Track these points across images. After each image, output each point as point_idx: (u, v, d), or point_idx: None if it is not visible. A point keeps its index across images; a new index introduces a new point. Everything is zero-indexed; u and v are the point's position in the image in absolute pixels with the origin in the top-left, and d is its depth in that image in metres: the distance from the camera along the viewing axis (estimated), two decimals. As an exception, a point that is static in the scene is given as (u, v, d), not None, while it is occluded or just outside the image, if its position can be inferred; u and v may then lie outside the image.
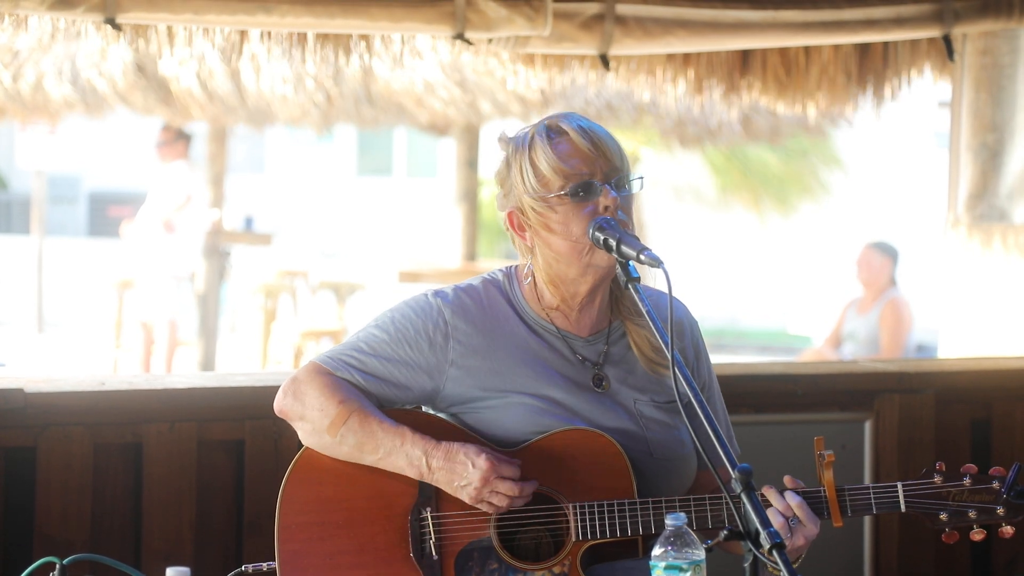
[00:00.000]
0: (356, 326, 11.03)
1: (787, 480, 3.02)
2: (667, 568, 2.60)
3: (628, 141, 13.72)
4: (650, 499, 3.02)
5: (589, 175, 3.04)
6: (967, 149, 5.47)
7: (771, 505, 2.98)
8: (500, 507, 3.01)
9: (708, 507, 3.02)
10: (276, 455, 4.11)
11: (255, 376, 4.54)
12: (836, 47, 5.51)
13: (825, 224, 19.81)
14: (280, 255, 17.05)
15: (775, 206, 18.05)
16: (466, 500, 3.02)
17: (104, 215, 24.53)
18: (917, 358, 9.05)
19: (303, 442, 3.13)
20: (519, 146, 3.10)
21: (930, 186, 18.19)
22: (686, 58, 5.47)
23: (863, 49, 5.56)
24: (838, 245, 17.73)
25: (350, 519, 3.08)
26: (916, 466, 4.64)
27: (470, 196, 12.08)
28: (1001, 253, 5.43)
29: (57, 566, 2.93)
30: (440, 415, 3.15)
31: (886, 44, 5.55)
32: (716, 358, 3.44)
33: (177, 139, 11.79)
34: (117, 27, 4.52)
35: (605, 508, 3.02)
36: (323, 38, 4.89)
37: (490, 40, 4.91)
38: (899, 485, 3.03)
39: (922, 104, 17.08)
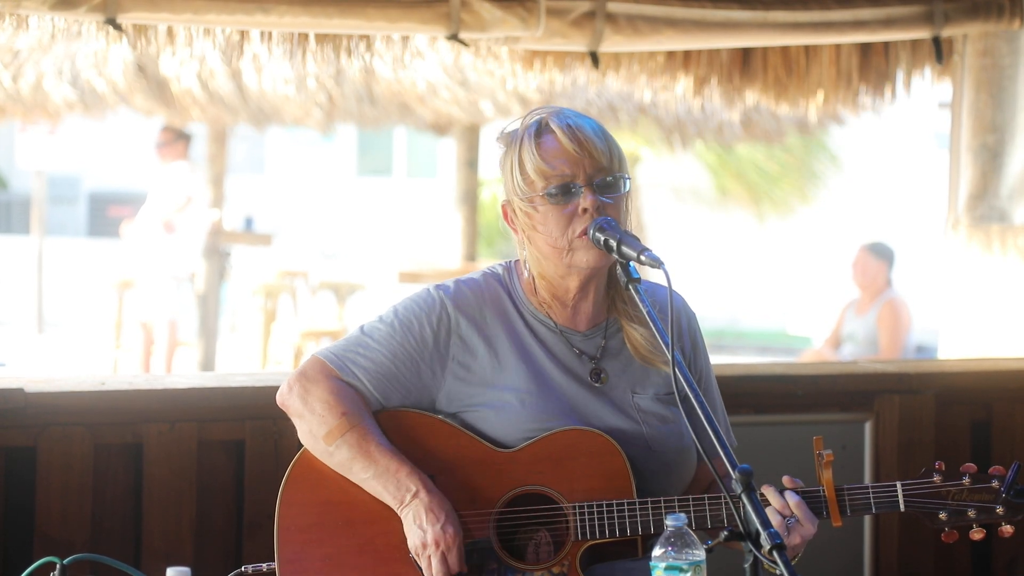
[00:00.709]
0: (356, 327, 11.02)
1: (786, 480, 3.02)
2: (667, 568, 2.60)
3: (628, 141, 13.72)
4: (649, 499, 3.02)
5: (571, 176, 3.04)
6: (967, 150, 5.47)
7: (769, 504, 2.98)
8: (423, 571, 3.02)
9: (707, 507, 3.02)
10: (276, 455, 4.12)
11: (255, 376, 4.54)
12: (837, 48, 5.52)
13: (825, 225, 19.81)
14: (280, 255, 17.05)
15: (775, 207, 18.07)
16: (409, 542, 3.03)
17: (104, 215, 24.52)
18: (917, 359, 9.06)
19: (298, 437, 3.14)
20: (511, 143, 3.11)
21: (930, 187, 18.19)
22: (686, 58, 5.48)
23: (864, 50, 5.56)
24: (838, 246, 17.72)
25: (349, 520, 3.08)
26: (916, 467, 4.63)
27: (470, 196, 12.08)
28: (1001, 254, 5.43)
29: (57, 566, 2.93)
30: (439, 416, 3.15)
31: (886, 45, 5.55)
32: (716, 359, 3.44)
33: (177, 139, 11.79)
34: (118, 27, 4.53)
35: (604, 508, 3.02)
36: (324, 38, 4.90)
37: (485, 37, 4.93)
38: (898, 484, 3.03)
39: (922, 105, 17.08)
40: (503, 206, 3.15)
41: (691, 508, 3.01)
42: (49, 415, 4.00)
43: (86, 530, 4.01)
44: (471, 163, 12.06)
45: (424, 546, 3.01)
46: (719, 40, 5.22)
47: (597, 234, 3.00)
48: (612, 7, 4.99)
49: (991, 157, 5.43)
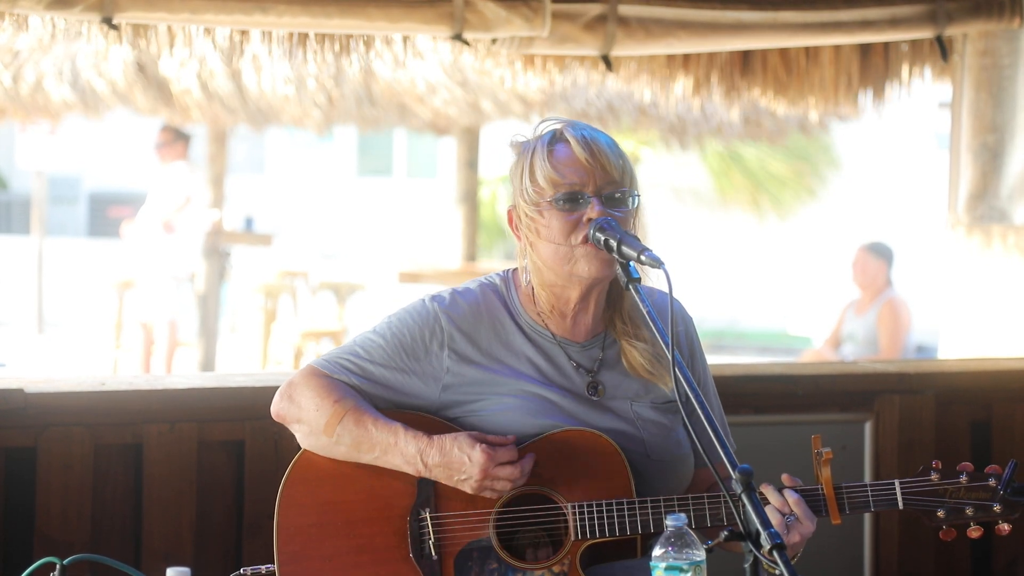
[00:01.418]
0: (356, 327, 11.04)
1: (785, 478, 3.03)
2: (667, 569, 2.60)
3: (628, 142, 13.73)
4: (648, 498, 3.03)
5: (580, 186, 3.05)
6: (967, 150, 5.48)
7: (768, 502, 2.98)
8: (503, 492, 3.01)
9: (707, 506, 3.02)
10: (276, 455, 4.12)
11: (255, 376, 4.54)
12: (837, 48, 5.52)
13: (825, 225, 19.81)
14: (280, 255, 17.05)
15: (775, 207, 18.07)
16: (468, 491, 3.02)
17: (104, 215, 24.52)
18: (917, 359, 9.06)
19: (302, 445, 3.14)
20: (525, 149, 3.12)
21: (930, 187, 18.19)
22: (686, 59, 5.48)
23: (864, 50, 5.56)
24: (838, 246, 17.73)
25: (349, 520, 3.08)
26: (916, 467, 4.62)
27: (470, 197, 12.08)
28: (1001, 254, 5.43)
29: (57, 566, 2.93)
30: (439, 418, 3.14)
31: (887, 45, 5.55)
32: (716, 359, 3.45)
33: (176, 140, 11.79)
34: (114, 27, 4.52)
35: (604, 507, 3.02)
36: (324, 38, 4.89)
37: (494, 41, 4.92)
38: (896, 482, 3.04)
39: (922, 105, 17.08)
40: (509, 211, 3.16)
41: (690, 507, 3.02)
42: (49, 415, 4.00)
43: (86, 530, 4.01)
44: (471, 163, 12.06)
45: (480, 482, 2.99)
46: (730, 42, 5.22)
47: (597, 234, 3.00)
48: (623, 10, 4.97)
49: (991, 157, 5.43)
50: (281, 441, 4.11)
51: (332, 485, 3.10)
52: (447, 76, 9.80)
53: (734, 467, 2.70)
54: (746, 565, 2.62)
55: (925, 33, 5.27)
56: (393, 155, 24.88)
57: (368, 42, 4.97)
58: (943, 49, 5.29)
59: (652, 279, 3.10)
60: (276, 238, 13.89)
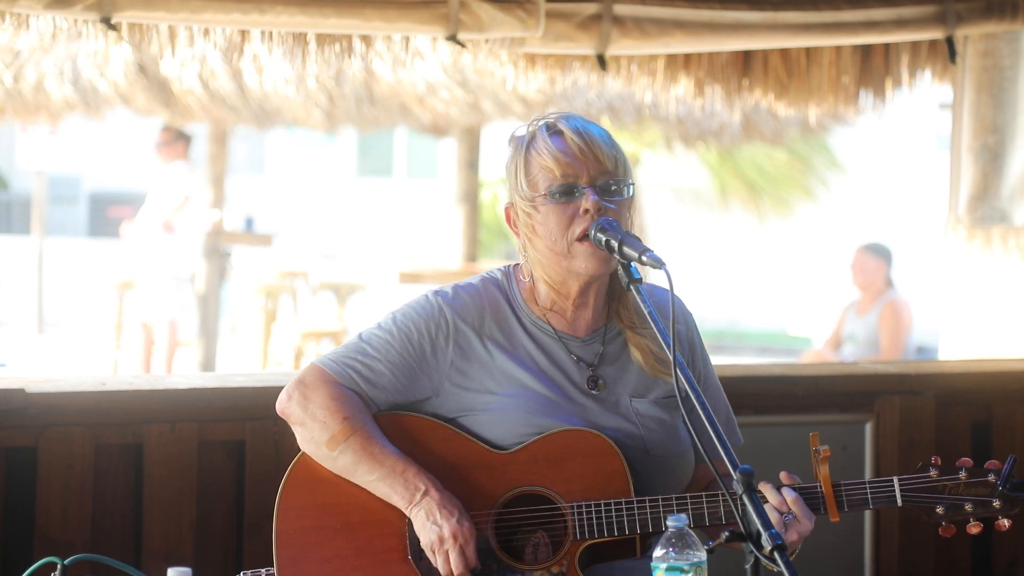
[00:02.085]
0: (356, 327, 11.03)
1: (783, 476, 3.02)
2: (668, 569, 2.60)
3: (629, 143, 13.73)
4: (647, 498, 3.03)
5: (574, 177, 3.05)
6: (968, 151, 5.48)
7: (767, 501, 2.98)
8: (443, 566, 3.01)
9: (705, 505, 3.02)
10: (277, 456, 4.12)
11: (256, 377, 4.54)
12: (838, 49, 5.52)
13: (826, 226, 19.81)
14: (280, 256, 17.05)
15: (775, 207, 18.06)
16: (425, 539, 3.02)
17: (104, 215, 24.52)
18: (917, 360, 9.06)
19: (299, 445, 3.14)
20: (519, 144, 3.12)
21: (931, 188, 18.19)
22: (687, 59, 5.48)
23: (864, 51, 5.56)
24: (839, 247, 17.73)
25: (348, 523, 3.08)
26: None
27: (470, 197, 12.08)
28: (1002, 255, 5.43)
29: (58, 566, 2.93)
30: (436, 419, 3.14)
31: (887, 46, 5.55)
32: (716, 359, 3.44)
33: (176, 139, 11.79)
34: (113, 27, 4.52)
35: (603, 508, 3.02)
36: (325, 39, 4.89)
37: (487, 40, 4.92)
38: (895, 479, 3.04)
39: (923, 106, 17.09)
40: (506, 208, 3.16)
41: (689, 506, 3.01)
42: (50, 415, 4.00)
43: (86, 530, 4.01)
44: (471, 164, 12.06)
45: (441, 541, 3.00)
46: (728, 42, 5.21)
47: (598, 235, 3.00)
48: (619, 9, 4.97)
49: (992, 158, 5.43)
50: (281, 441, 4.11)
51: (331, 488, 3.10)
52: (447, 76, 9.80)
53: (735, 467, 2.70)
54: (747, 566, 2.62)
55: (935, 34, 5.26)
56: (393, 155, 24.89)
57: (369, 42, 4.97)
58: (952, 50, 5.28)
59: (653, 278, 3.10)
60: (276, 238, 13.89)
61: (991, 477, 3.03)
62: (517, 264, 3.22)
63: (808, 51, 5.53)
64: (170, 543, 4.06)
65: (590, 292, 3.14)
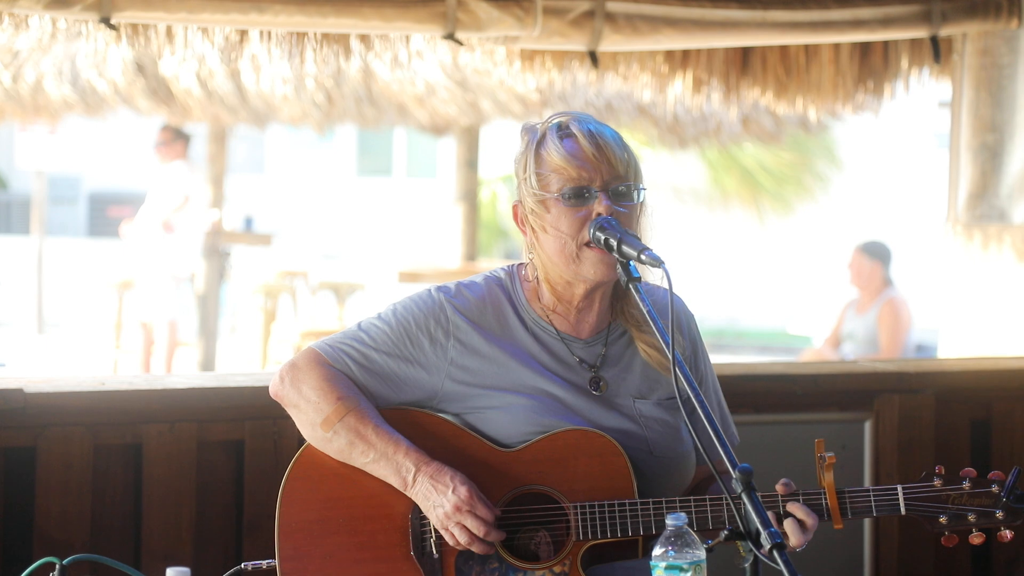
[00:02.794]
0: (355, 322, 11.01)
1: (779, 487, 3.01)
2: (667, 568, 2.60)
3: (628, 142, 13.70)
4: (651, 499, 3.02)
5: (587, 180, 3.04)
6: (967, 149, 5.48)
7: (797, 518, 2.96)
8: (460, 541, 2.99)
9: (708, 508, 3.02)
10: (276, 455, 4.12)
11: (255, 376, 4.54)
12: (836, 47, 5.52)
13: (825, 224, 19.81)
14: (280, 255, 17.05)
15: (775, 206, 18.06)
16: (433, 521, 3.02)
17: (104, 215, 24.53)
18: (917, 358, 9.05)
19: (298, 428, 3.13)
20: (530, 141, 3.10)
21: (930, 186, 18.20)
22: (685, 58, 5.48)
23: (863, 49, 5.57)
24: (838, 245, 17.72)
25: (351, 517, 3.08)
26: (916, 466, 4.64)
27: (470, 196, 12.08)
28: (1001, 253, 5.43)
29: (57, 566, 2.93)
30: (441, 415, 3.15)
31: (886, 44, 5.55)
32: (716, 358, 3.44)
33: (176, 139, 11.79)
34: (112, 27, 4.53)
35: (606, 508, 3.02)
36: (323, 38, 4.90)
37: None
38: (899, 488, 3.03)
39: (922, 104, 17.08)
40: (514, 206, 3.15)
41: (692, 509, 3.01)
42: (49, 415, 4.00)
43: (86, 530, 4.01)
44: (471, 163, 12.06)
45: (448, 516, 2.99)
46: (718, 39, 5.23)
47: (597, 233, 2.99)
48: (611, 6, 4.99)
49: (990, 156, 5.43)
50: (281, 441, 4.12)
51: (334, 482, 3.09)
52: (446, 76, 9.79)
53: (734, 466, 2.70)
54: (746, 565, 2.62)
55: (919, 33, 5.28)
56: (393, 155, 24.89)
57: (367, 42, 4.98)
58: (936, 49, 5.29)
59: (653, 277, 3.09)
60: (276, 238, 13.90)
61: (995, 488, 3.02)
62: (521, 263, 3.22)
63: (807, 49, 5.53)
64: (169, 543, 4.06)
65: (595, 296, 3.13)
